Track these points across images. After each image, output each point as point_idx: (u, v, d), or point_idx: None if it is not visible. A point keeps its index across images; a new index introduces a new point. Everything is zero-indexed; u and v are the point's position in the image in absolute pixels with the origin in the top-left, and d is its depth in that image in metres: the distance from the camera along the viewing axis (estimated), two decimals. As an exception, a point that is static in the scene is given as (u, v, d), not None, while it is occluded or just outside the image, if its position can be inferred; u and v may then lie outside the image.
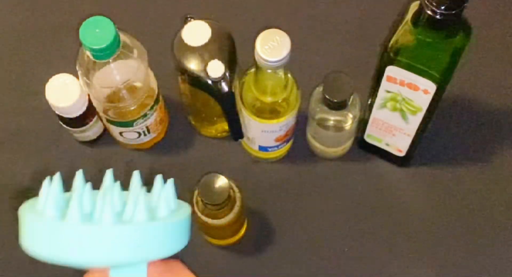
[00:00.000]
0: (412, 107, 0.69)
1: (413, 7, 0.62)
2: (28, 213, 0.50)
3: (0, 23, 0.90)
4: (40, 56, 0.87)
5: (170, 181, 0.54)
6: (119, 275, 0.50)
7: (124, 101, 0.72)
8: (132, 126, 0.76)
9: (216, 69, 0.68)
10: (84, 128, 0.79)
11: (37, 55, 0.87)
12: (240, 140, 0.78)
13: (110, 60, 0.67)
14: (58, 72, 0.76)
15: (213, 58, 0.69)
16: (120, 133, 0.78)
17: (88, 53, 0.66)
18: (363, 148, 0.82)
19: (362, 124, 0.78)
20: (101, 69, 0.68)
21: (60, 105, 0.75)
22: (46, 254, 0.48)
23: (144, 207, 0.50)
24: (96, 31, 0.64)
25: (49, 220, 0.48)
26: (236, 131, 0.76)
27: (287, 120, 0.73)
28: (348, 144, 0.80)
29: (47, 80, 0.75)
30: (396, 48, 0.63)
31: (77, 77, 0.73)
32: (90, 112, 0.78)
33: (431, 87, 0.65)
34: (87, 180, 0.53)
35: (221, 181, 0.67)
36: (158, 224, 0.50)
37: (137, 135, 0.78)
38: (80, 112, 0.77)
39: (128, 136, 0.78)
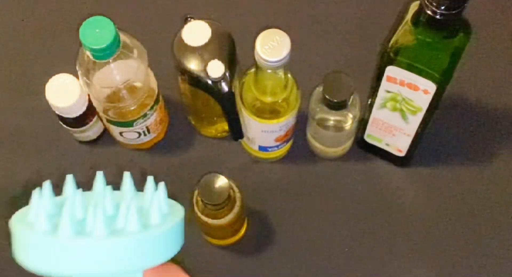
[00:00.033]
0: (412, 107, 0.69)
1: (413, 7, 0.62)
2: (19, 226, 0.49)
3: (0, 23, 0.90)
4: (40, 56, 0.87)
5: (162, 185, 0.53)
6: None
7: (124, 101, 0.72)
8: (132, 126, 0.76)
9: (216, 69, 0.68)
10: (84, 128, 0.79)
11: (37, 55, 0.87)
12: (240, 140, 0.78)
13: (110, 60, 0.67)
14: (58, 72, 0.76)
15: (213, 58, 0.69)
16: (120, 133, 0.78)
17: (88, 53, 0.66)
18: (363, 148, 0.82)
19: (362, 124, 0.78)
20: (101, 69, 0.68)
21: (60, 105, 0.75)
22: (39, 268, 0.48)
23: (136, 216, 0.49)
24: (96, 31, 0.64)
25: (41, 234, 0.48)
26: (236, 131, 0.76)
27: (287, 120, 0.73)
28: (348, 144, 0.80)
29: (47, 80, 0.75)
30: (396, 48, 0.63)
31: (77, 77, 0.73)
32: (90, 112, 0.78)
33: (431, 87, 0.65)
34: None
35: (221, 181, 0.67)
36: (151, 233, 0.50)
37: (137, 135, 0.78)
38: (80, 112, 0.77)
39: (128, 136, 0.78)
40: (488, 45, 0.86)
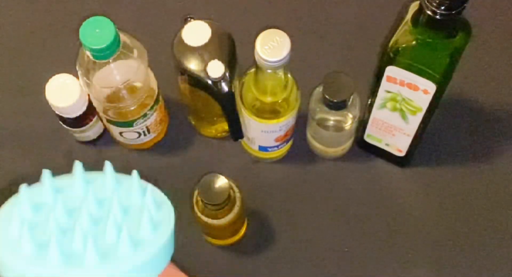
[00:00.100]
0: (412, 107, 0.69)
1: (413, 7, 0.62)
2: (3, 245, 0.47)
3: (0, 23, 0.90)
4: (40, 56, 0.87)
5: (149, 189, 0.51)
6: None
7: (124, 101, 0.72)
8: (132, 126, 0.76)
9: (216, 69, 0.68)
10: (84, 128, 0.79)
11: (37, 55, 0.87)
12: (240, 140, 0.78)
13: (110, 60, 0.67)
14: (58, 72, 0.76)
15: (213, 58, 0.69)
16: (120, 133, 0.78)
17: (88, 53, 0.66)
18: (363, 148, 0.82)
19: (362, 124, 0.78)
20: (101, 69, 0.68)
21: (60, 105, 0.75)
22: None
23: (128, 237, 0.47)
24: (96, 31, 0.64)
25: (28, 261, 0.46)
26: (236, 131, 0.76)
27: (287, 120, 0.73)
28: (348, 144, 0.80)
29: (47, 80, 0.75)
30: (396, 48, 0.63)
31: (77, 77, 0.73)
32: (90, 112, 0.78)
33: (431, 87, 0.65)
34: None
35: (221, 181, 0.67)
36: (143, 254, 0.48)
37: (137, 135, 0.78)
38: (80, 112, 0.77)
39: (128, 136, 0.78)
40: (488, 45, 0.86)
